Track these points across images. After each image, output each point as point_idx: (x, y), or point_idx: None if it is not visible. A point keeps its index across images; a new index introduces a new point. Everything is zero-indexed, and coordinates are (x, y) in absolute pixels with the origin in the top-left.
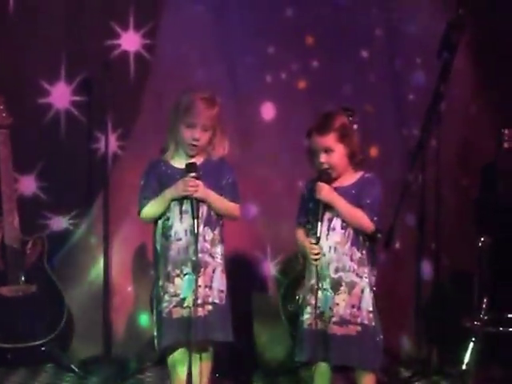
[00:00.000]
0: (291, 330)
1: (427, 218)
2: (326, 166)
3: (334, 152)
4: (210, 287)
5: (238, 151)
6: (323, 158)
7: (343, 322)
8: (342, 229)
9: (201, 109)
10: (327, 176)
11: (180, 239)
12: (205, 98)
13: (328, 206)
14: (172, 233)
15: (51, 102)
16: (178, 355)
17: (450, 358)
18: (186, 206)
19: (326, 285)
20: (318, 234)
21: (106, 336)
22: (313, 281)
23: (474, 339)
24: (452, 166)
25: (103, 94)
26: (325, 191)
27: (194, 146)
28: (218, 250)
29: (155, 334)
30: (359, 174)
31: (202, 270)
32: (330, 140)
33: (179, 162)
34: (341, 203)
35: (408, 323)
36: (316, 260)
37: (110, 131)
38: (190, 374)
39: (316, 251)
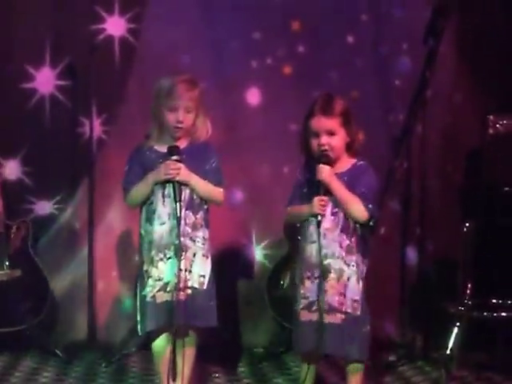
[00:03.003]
0: (276, 316)
1: (412, 204)
2: (326, 147)
3: (336, 136)
4: (190, 271)
5: (223, 137)
6: (325, 139)
7: (331, 309)
8: (331, 215)
9: (182, 91)
10: (328, 158)
11: (163, 223)
12: (185, 80)
13: (327, 190)
14: (155, 217)
15: (36, 86)
16: (162, 340)
17: (434, 343)
18: (169, 190)
19: (318, 272)
20: (320, 218)
21: (91, 321)
22: (304, 269)
23: (458, 324)
24: (437, 152)
25: (88, 79)
26: (326, 173)
27: (179, 128)
28: (200, 234)
29: (138, 318)
30: (351, 162)
31: (184, 253)
32: (335, 123)
33: (164, 147)
34: (339, 187)
35: (392, 308)
36: (322, 211)
37: (95, 116)
38: (173, 360)
39: (323, 202)
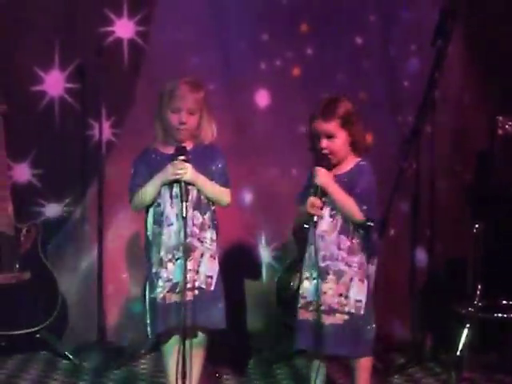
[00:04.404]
0: (286, 318)
1: (421, 205)
2: (326, 151)
3: (336, 138)
4: (197, 272)
5: (232, 138)
6: (324, 143)
7: (331, 310)
8: (329, 217)
9: (185, 92)
10: (327, 161)
11: (171, 224)
12: (188, 81)
13: (324, 192)
14: (164, 218)
15: (45, 89)
16: (172, 342)
17: (444, 345)
18: (176, 191)
19: (315, 273)
20: (315, 219)
21: (100, 323)
22: (304, 270)
23: (468, 325)
24: (446, 153)
25: (97, 82)
26: (321, 175)
27: (182, 129)
28: (208, 235)
29: (148, 321)
30: (355, 162)
31: (191, 254)
32: (332, 126)
33: (168, 149)
34: (334, 189)
35: (402, 310)
36: (314, 212)
37: (104, 118)
38: (182, 361)
39: (315, 203)
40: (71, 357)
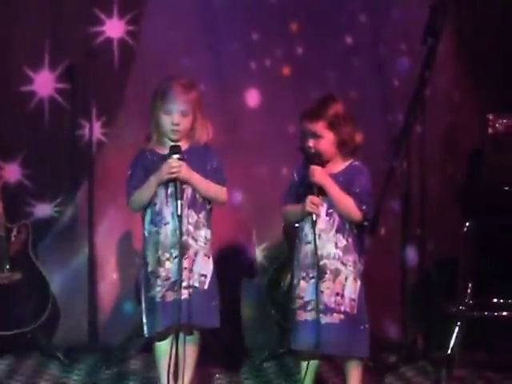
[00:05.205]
0: (277, 317)
1: (412, 204)
2: (313, 150)
3: (323, 139)
4: (191, 270)
5: (222, 138)
6: (311, 142)
7: (328, 310)
8: (326, 216)
9: (177, 93)
10: (320, 159)
11: (167, 223)
12: (181, 83)
13: (321, 191)
14: (160, 217)
15: (35, 89)
16: (166, 341)
17: (435, 343)
18: (172, 189)
19: (313, 273)
20: (314, 218)
21: (92, 324)
22: (299, 269)
23: (458, 324)
24: (437, 152)
25: (87, 82)
26: (318, 174)
27: (175, 131)
28: (202, 233)
29: (144, 320)
30: (348, 162)
31: (187, 252)
32: (318, 126)
33: (164, 149)
34: (333, 188)
35: (393, 309)
36: (314, 210)
37: (95, 118)
38: (175, 360)
39: (315, 201)
40: (62, 357)
